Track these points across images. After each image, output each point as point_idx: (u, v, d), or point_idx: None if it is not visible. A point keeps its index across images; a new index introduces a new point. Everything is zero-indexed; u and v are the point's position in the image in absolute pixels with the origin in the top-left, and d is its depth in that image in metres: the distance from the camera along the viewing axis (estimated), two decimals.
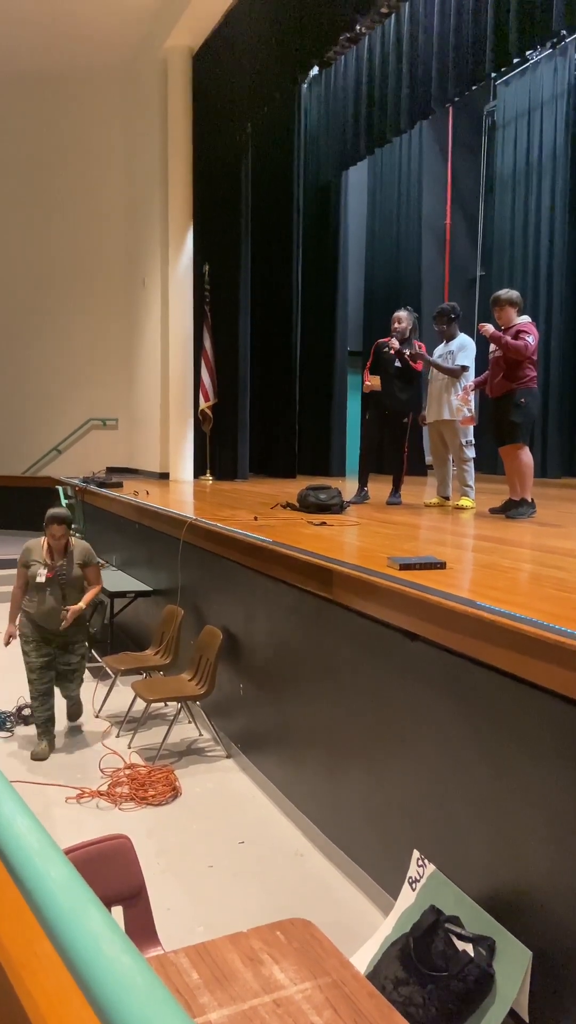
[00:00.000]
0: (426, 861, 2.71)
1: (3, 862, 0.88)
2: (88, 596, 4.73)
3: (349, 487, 7.42)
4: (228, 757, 4.58)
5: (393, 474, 6.80)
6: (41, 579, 4.51)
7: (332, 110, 10.26)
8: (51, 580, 4.53)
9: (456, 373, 6.19)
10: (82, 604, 4.66)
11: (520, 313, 5.66)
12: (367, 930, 2.82)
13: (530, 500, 5.72)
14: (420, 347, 6.53)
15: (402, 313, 6.54)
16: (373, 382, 6.47)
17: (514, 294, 5.69)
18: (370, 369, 6.60)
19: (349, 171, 10.90)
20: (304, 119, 10.33)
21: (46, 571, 4.52)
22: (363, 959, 2.58)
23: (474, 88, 7.99)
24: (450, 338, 6.36)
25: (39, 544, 4.65)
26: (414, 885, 2.69)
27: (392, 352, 6.40)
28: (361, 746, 3.29)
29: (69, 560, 4.65)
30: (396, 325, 6.50)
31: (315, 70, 9.86)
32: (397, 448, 6.73)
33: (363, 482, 6.81)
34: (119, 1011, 0.61)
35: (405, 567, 3.26)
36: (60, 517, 4.58)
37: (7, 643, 4.65)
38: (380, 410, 6.61)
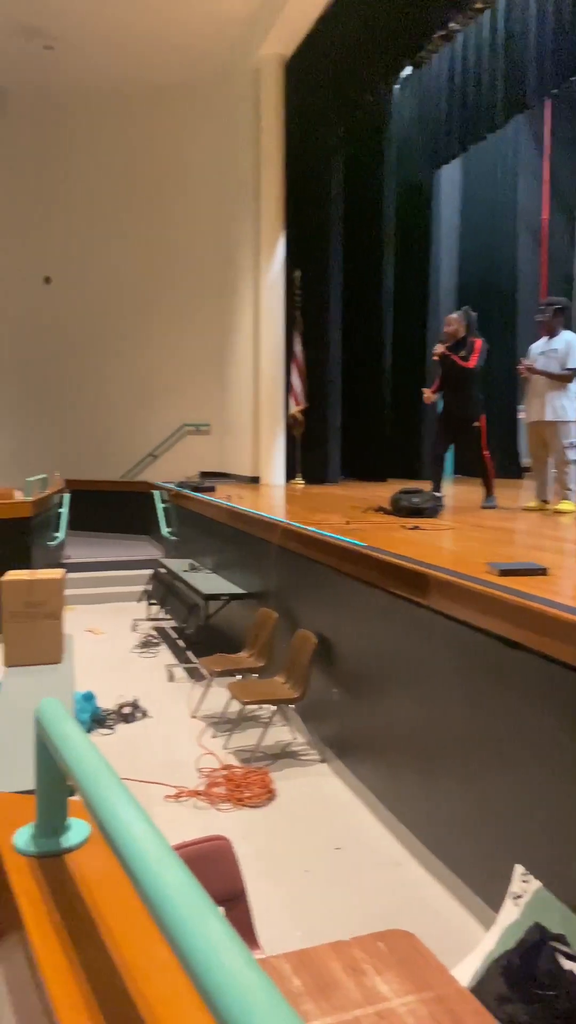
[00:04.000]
0: (530, 877, 2.63)
1: (122, 866, 0.90)
2: None
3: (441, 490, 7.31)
4: (322, 761, 4.58)
5: (482, 478, 6.65)
6: None
7: (424, 109, 10.15)
8: None
9: (567, 378, 5.96)
10: None
11: None
12: (467, 944, 2.76)
13: None
14: (477, 344, 6.35)
15: (452, 315, 6.47)
16: (429, 395, 6.55)
17: None
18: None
19: (442, 170, 10.76)
20: (396, 120, 10.26)
21: None
22: (464, 974, 2.53)
23: (572, 79, 7.74)
24: (552, 332, 6.11)
25: None
26: (517, 901, 2.62)
27: (435, 358, 6.32)
28: (457, 755, 3.23)
29: None
30: (445, 328, 6.43)
31: (407, 70, 9.78)
32: (476, 452, 6.58)
33: (435, 487, 6.72)
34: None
35: (505, 573, 3.19)
36: None
37: None
38: (447, 417, 6.57)
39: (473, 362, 6.26)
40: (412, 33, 7.02)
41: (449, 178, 11.65)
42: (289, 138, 9.43)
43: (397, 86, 10.23)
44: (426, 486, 7.46)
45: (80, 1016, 0.91)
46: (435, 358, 6.38)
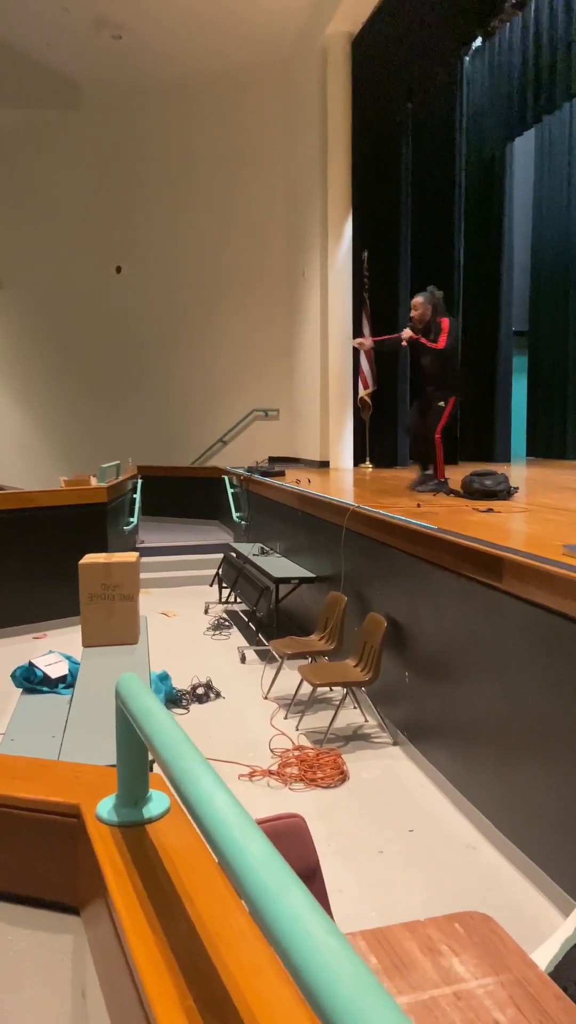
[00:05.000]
0: None
1: (203, 836, 0.92)
2: None
3: (515, 472, 7.15)
4: (394, 744, 4.57)
5: (431, 462, 6.50)
6: None
7: (497, 80, 9.87)
8: None
9: None
10: None
11: None
12: (545, 929, 2.72)
13: None
14: (444, 324, 6.14)
15: (417, 298, 6.27)
16: (363, 340, 6.59)
17: None
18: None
19: (515, 142, 10.45)
20: (467, 93, 10.01)
21: None
22: (541, 959, 2.49)
23: None
24: None
25: None
26: None
27: (404, 344, 6.21)
28: (537, 742, 3.17)
29: None
30: (412, 312, 6.26)
31: (478, 41, 9.51)
32: (430, 433, 6.41)
33: (423, 467, 6.66)
34: (329, 993, 0.62)
35: None
36: None
37: None
38: (421, 396, 6.45)
39: (442, 343, 6.08)
40: (483, 3, 6.81)
41: (523, 150, 11.31)
42: (356, 117, 9.30)
43: (467, 58, 9.97)
44: (499, 468, 7.33)
45: (163, 980, 0.93)
46: (403, 344, 6.22)
